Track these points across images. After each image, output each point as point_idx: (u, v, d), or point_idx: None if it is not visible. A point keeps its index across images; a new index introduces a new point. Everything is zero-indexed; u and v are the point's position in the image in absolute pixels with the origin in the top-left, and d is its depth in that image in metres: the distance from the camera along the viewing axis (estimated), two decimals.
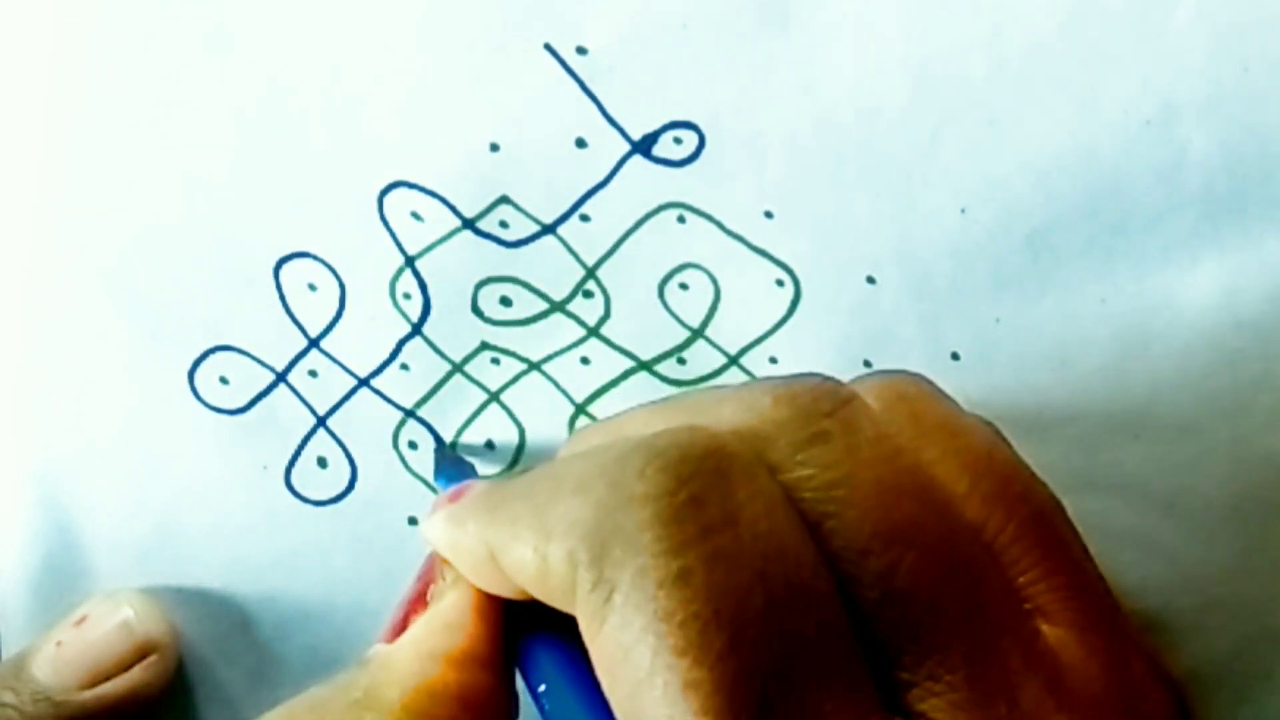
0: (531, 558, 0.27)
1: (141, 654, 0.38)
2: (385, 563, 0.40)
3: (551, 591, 0.27)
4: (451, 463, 0.38)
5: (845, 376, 0.37)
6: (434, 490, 0.39)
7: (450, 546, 0.31)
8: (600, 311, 0.38)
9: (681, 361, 0.38)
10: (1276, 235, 0.36)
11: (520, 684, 0.31)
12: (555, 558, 0.27)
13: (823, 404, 0.29)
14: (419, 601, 0.32)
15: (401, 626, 0.31)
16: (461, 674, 0.30)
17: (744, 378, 0.38)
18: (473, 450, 0.39)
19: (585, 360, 0.38)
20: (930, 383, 0.32)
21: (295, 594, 0.40)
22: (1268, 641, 0.39)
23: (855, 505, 0.27)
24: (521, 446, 0.39)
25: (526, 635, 0.31)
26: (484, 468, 0.39)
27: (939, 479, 0.29)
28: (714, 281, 0.37)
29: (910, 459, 0.29)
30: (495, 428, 0.39)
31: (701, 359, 0.38)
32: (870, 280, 0.37)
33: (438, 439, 0.39)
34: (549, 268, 0.37)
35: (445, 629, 0.31)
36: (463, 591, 0.31)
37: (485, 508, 0.30)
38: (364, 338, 0.38)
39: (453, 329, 0.38)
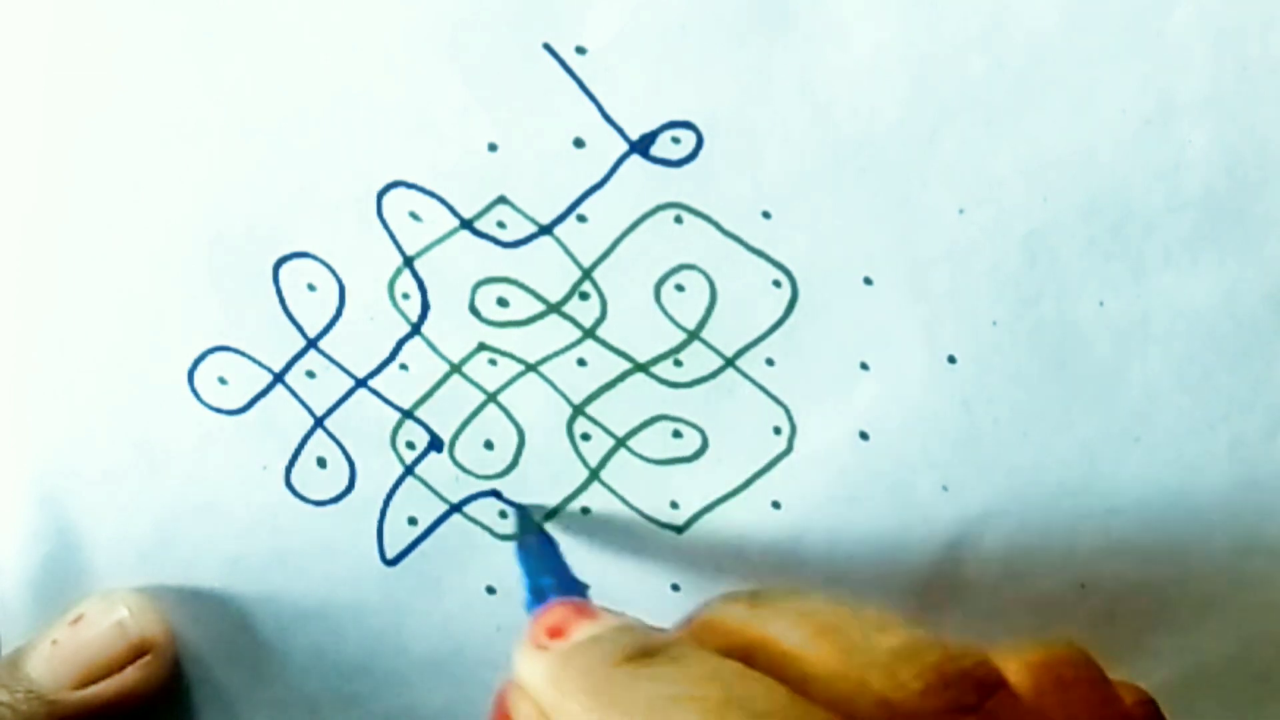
0: None
1: (136, 654, 0.38)
2: (385, 564, 0.40)
3: None
4: (536, 539, 0.38)
5: (843, 377, 0.37)
6: (439, 496, 0.39)
7: (550, 706, 0.31)
8: (596, 313, 0.38)
9: (678, 363, 0.38)
10: (1276, 235, 0.36)
11: None
12: None
13: (969, 696, 0.29)
14: None
15: None
16: None
17: (740, 380, 0.38)
18: (475, 454, 0.39)
19: (582, 362, 0.38)
20: (1089, 660, 0.31)
21: (295, 594, 0.40)
22: (1267, 643, 0.39)
23: None
24: (520, 448, 0.39)
25: None
26: (483, 468, 0.39)
27: None
28: (710, 283, 0.37)
29: None
30: (493, 429, 0.39)
31: (698, 360, 0.38)
32: (868, 281, 0.37)
33: (522, 511, 0.39)
34: (546, 269, 0.37)
35: None
36: None
37: (599, 698, 0.29)
38: (363, 338, 0.38)
39: (451, 329, 0.38)
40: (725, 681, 0.28)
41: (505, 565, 0.40)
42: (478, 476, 0.39)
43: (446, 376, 0.38)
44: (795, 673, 0.29)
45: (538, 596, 0.35)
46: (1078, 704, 0.30)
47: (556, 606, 0.33)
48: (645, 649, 0.30)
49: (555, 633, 0.32)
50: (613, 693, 0.29)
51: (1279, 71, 0.35)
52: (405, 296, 0.38)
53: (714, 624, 0.32)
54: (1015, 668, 0.30)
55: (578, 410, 0.38)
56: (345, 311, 0.38)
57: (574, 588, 0.35)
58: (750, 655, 0.30)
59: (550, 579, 0.35)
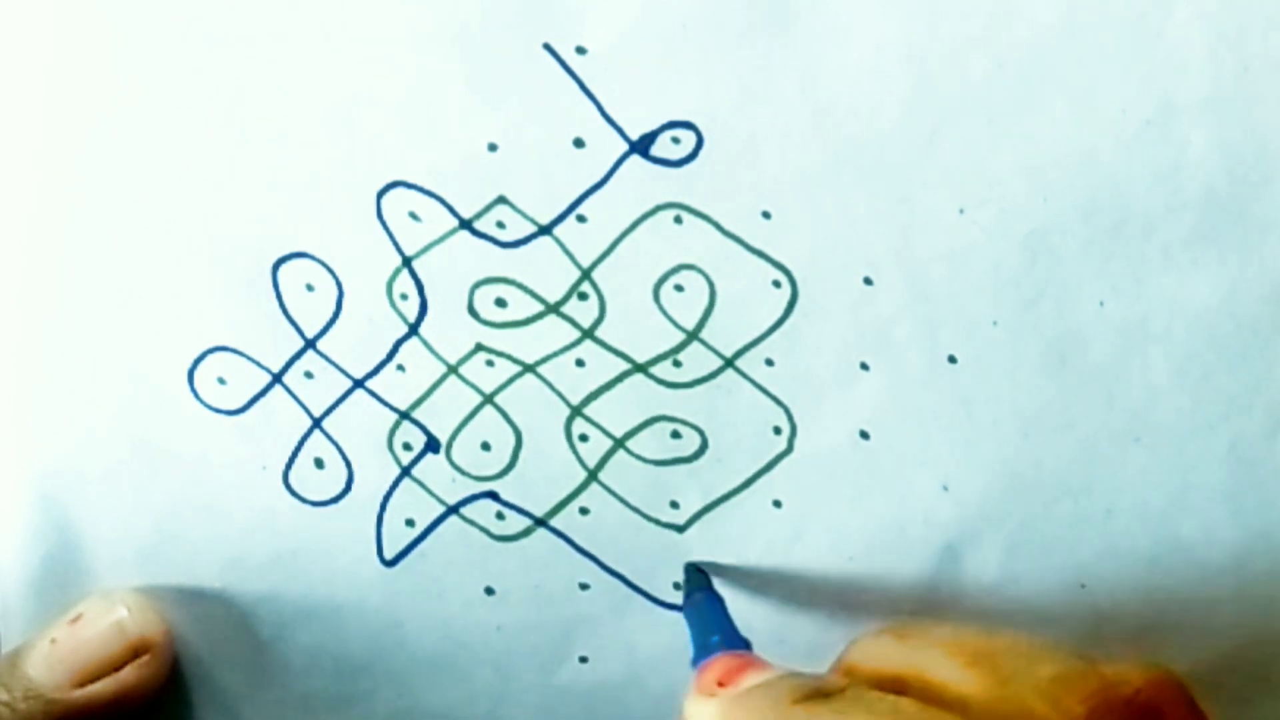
0: None
1: (134, 653, 0.38)
2: (384, 564, 0.40)
3: None
4: (704, 595, 0.38)
5: (843, 377, 0.37)
6: (436, 498, 0.39)
7: None
8: (595, 314, 0.37)
9: (677, 364, 0.38)
10: (1276, 235, 0.36)
11: None
12: None
13: None
14: None
15: None
16: None
17: (740, 380, 0.38)
18: (472, 455, 0.39)
19: (580, 362, 0.38)
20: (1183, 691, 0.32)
21: (294, 594, 0.40)
22: (1268, 642, 0.39)
23: None
24: (518, 449, 0.39)
25: None
26: (481, 469, 0.39)
27: None
28: (710, 283, 0.37)
29: None
30: (491, 430, 0.39)
31: (697, 361, 0.38)
32: (868, 281, 0.37)
33: (691, 570, 0.39)
34: (544, 269, 0.37)
35: None
36: None
37: None
38: (361, 338, 0.38)
39: (449, 330, 0.38)
40: (904, 713, 0.29)
41: (504, 566, 0.40)
42: (475, 478, 0.39)
43: (444, 377, 0.38)
44: (954, 702, 0.30)
45: (705, 652, 0.35)
46: None
47: (724, 657, 0.34)
48: (818, 690, 0.30)
49: (725, 681, 0.33)
50: None
51: (1279, 71, 0.35)
52: (404, 297, 0.38)
53: (865, 659, 0.33)
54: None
55: (576, 411, 0.38)
56: (343, 312, 0.38)
57: (740, 643, 0.35)
58: (904, 688, 0.31)
59: (717, 636, 0.36)
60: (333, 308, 0.38)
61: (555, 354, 0.38)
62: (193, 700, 0.41)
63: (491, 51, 0.36)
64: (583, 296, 0.37)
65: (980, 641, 0.32)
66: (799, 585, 0.39)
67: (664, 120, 0.36)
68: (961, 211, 0.36)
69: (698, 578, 0.39)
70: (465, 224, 0.37)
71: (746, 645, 0.35)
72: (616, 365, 0.38)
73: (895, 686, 0.31)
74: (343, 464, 0.39)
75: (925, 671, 0.31)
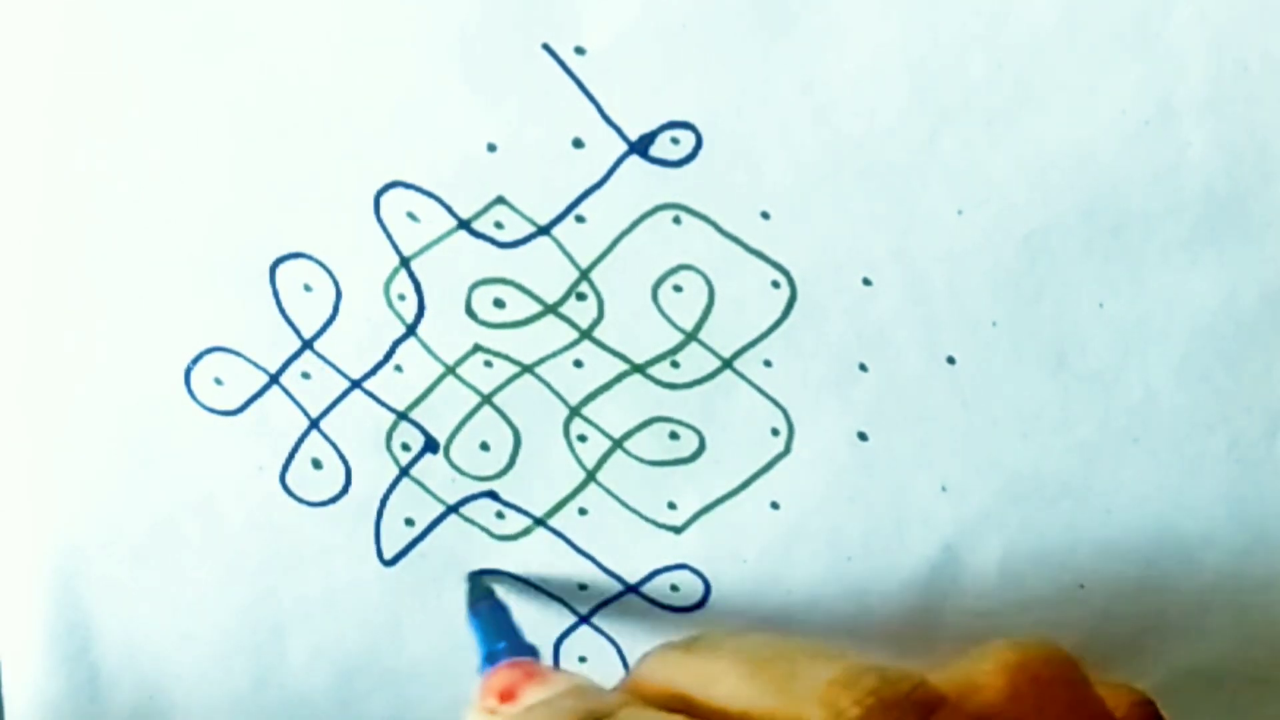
0: None
1: None
2: (383, 564, 0.40)
3: None
4: (488, 604, 0.38)
5: (842, 378, 0.37)
6: (435, 498, 0.39)
7: None
8: (593, 314, 0.37)
9: (676, 365, 0.38)
10: (1276, 235, 0.36)
11: None
12: None
13: (909, 718, 0.29)
14: None
15: None
16: None
17: (738, 381, 0.38)
18: (471, 455, 0.39)
19: (578, 363, 0.38)
20: (1068, 660, 0.32)
21: (293, 595, 0.40)
22: (1267, 643, 0.39)
23: None
24: (517, 449, 0.39)
25: None
26: (479, 469, 0.39)
27: None
28: (708, 283, 0.37)
29: None
30: (489, 430, 0.39)
31: (696, 362, 0.38)
32: (867, 282, 0.37)
33: (474, 578, 0.39)
34: (543, 269, 0.37)
35: None
36: None
37: None
38: (359, 339, 0.38)
39: (447, 330, 0.38)
40: None
41: (504, 566, 0.40)
42: (474, 478, 0.39)
43: (442, 378, 0.38)
44: (736, 714, 0.30)
45: (491, 660, 0.35)
46: (1054, 705, 0.30)
47: (505, 668, 0.34)
48: (593, 713, 0.30)
49: (506, 696, 0.33)
50: None
51: (1279, 71, 0.35)
52: (401, 297, 0.38)
53: (652, 675, 0.33)
54: (990, 669, 0.30)
55: (574, 411, 0.38)
56: (341, 312, 0.38)
57: (525, 651, 0.36)
58: (690, 703, 0.31)
59: (503, 643, 0.36)
60: (330, 308, 0.38)
61: (554, 354, 0.38)
62: (193, 700, 0.41)
63: (490, 52, 0.36)
64: (581, 297, 0.37)
65: (765, 648, 0.32)
66: (797, 586, 0.39)
67: (663, 120, 0.36)
68: (961, 212, 0.36)
69: (481, 587, 0.39)
70: (464, 224, 0.37)
71: (533, 653, 0.36)
72: (615, 366, 0.38)
73: (679, 704, 0.31)
74: (341, 464, 0.39)
75: (710, 685, 0.31)
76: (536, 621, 0.40)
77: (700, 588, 0.39)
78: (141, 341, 0.38)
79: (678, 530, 0.39)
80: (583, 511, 0.39)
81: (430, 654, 0.40)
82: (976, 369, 0.37)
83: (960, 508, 0.38)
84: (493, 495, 0.39)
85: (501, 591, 0.39)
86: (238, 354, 0.38)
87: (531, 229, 0.37)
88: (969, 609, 0.38)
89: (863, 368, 0.37)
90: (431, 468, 0.39)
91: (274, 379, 0.38)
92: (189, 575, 0.40)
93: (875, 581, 0.39)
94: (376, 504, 0.39)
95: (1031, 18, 0.35)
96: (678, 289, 0.37)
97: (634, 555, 0.39)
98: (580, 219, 0.37)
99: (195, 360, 0.38)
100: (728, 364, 0.38)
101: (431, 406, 0.38)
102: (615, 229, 0.37)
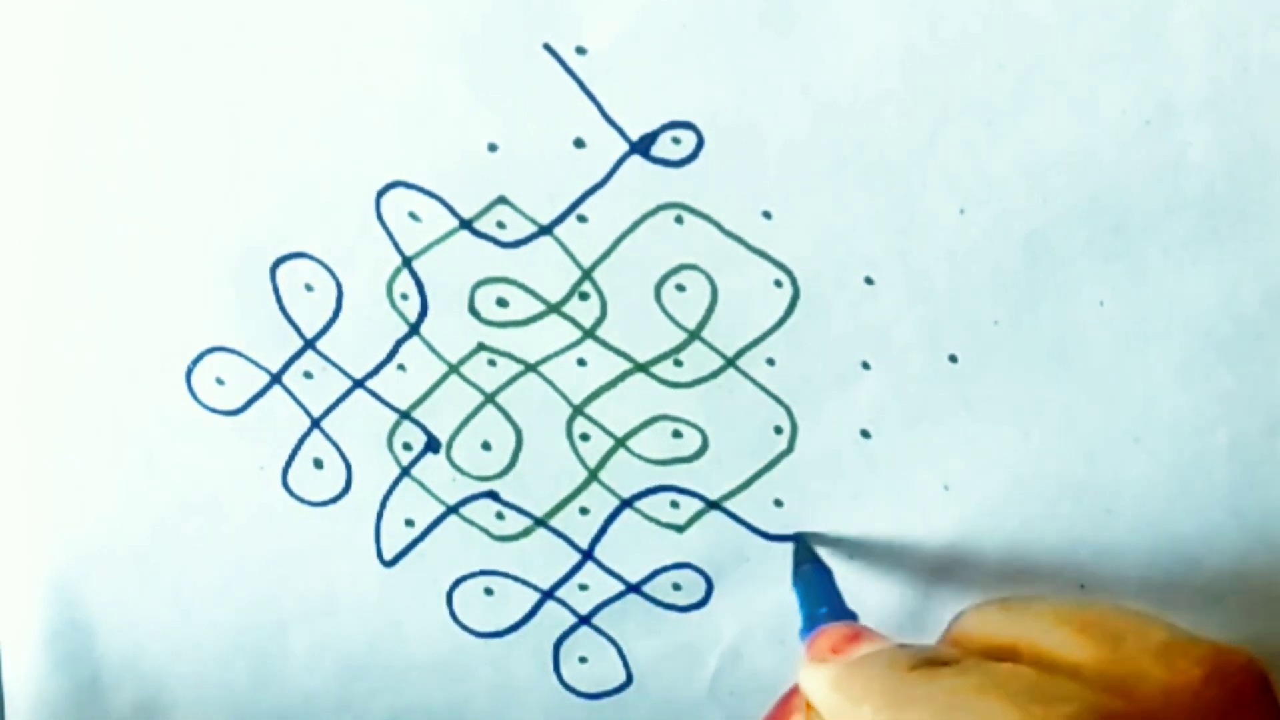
0: None
1: None
2: (383, 565, 0.40)
3: None
4: (811, 567, 0.38)
5: (844, 376, 0.37)
6: (436, 498, 0.39)
7: (833, 712, 0.31)
8: (596, 313, 0.37)
9: (678, 363, 0.38)
10: (1276, 235, 0.36)
11: None
12: None
13: (1247, 689, 0.29)
14: None
15: None
16: None
17: (741, 380, 0.38)
18: (472, 455, 0.39)
19: (582, 362, 0.38)
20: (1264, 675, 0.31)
21: (294, 594, 0.40)
22: (1268, 642, 0.39)
23: None
24: (519, 448, 0.39)
25: None
26: (480, 469, 0.39)
27: None
28: (711, 282, 0.37)
29: None
30: (491, 429, 0.39)
31: (699, 360, 0.38)
32: (868, 281, 0.37)
33: (799, 541, 0.39)
34: (545, 269, 0.37)
35: None
36: None
37: (892, 700, 0.30)
38: (361, 339, 0.38)
39: (450, 330, 0.38)
40: (1021, 677, 0.29)
41: (503, 567, 0.40)
42: (475, 478, 0.39)
43: (445, 377, 0.38)
44: (1067, 668, 0.30)
45: (813, 623, 0.35)
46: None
47: (836, 627, 0.34)
48: (932, 659, 0.31)
49: (836, 651, 0.33)
50: (907, 693, 0.30)
51: (1279, 71, 0.35)
52: (404, 297, 0.38)
53: (973, 630, 0.33)
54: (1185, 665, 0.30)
55: (577, 410, 0.38)
56: (343, 312, 0.38)
57: (846, 615, 0.35)
58: (1016, 656, 0.31)
59: (825, 608, 0.36)
60: (332, 308, 0.38)
61: (557, 353, 0.38)
62: (193, 700, 0.41)
63: (491, 51, 0.36)
64: (584, 296, 0.37)
65: (1085, 610, 0.32)
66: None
67: (664, 120, 0.36)
68: (962, 211, 0.36)
69: (805, 549, 0.38)
70: (465, 224, 0.37)
71: (853, 617, 0.35)
72: (618, 365, 0.38)
73: (1007, 655, 0.31)
74: (342, 464, 0.39)
75: (1036, 640, 0.31)
76: (536, 621, 0.40)
77: (703, 586, 0.39)
78: (142, 341, 0.38)
79: (680, 529, 0.39)
80: (584, 511, 0.39)
81: (430, 654, 0.40)
82: (978, 368, 0.37)
83: (962, 507, 0.38)
84: (493, 495, 0.39)
85: (824, 554, 0.39)
86: (239, 354, 0.38)
87: (534, 228, 0.37)
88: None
89: (865, 366, 0.37)
90: (432, 468, 0.39)
91: (275, 379, 0.38)
92: (189, 575, 0.40)
93: (876, 580, 0.39)
94: (377, 504, 0.39)
95: (1031, 17, 0.35)
96: (680, 288, 0.37)
97: (636, 554, 0.39)
98: (582, 219, 0.37)
99: (196, 360, 0.38)
100: (730, 362, 0.38)
101: (434, 406, 0.38)
102: (617, 228, 0.37)
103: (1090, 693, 0.28)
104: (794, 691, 0.34)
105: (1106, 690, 0.29)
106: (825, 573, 0.37)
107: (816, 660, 0.33)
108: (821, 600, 0.36)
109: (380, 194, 0.37)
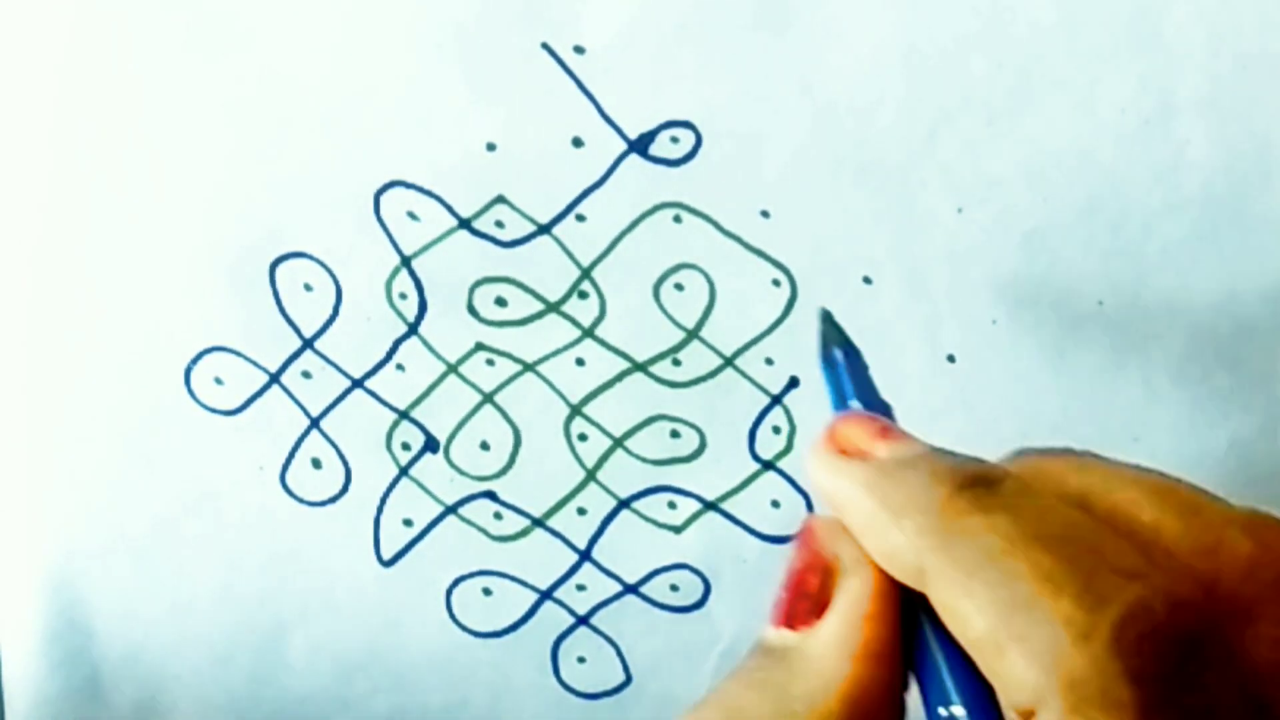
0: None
1: None
2: (382, 564, 0.40)
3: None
4: (842, 351, 0.33)
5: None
6: (434, 498, 0.39)
7: (867, 519, 0.28)
8: (595, 312, 0.37)
9: (677, 363, 0.38)
10: (1276, 235, 0.36)
11: None
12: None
13: None
14: (809, 574, 0.28)
15: (790, 608, 0.28)
16: (874, 669, 0.27)
17: (739, 379, 0.38)
18: (470, 455, 0.39)
19: (580, 361, 0.38)
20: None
21: (293, 594, 0.40)
22: None
23: None
24: (517, 448, 0.39)
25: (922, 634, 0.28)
26: (479, 469, 0.39)
27: None
28: (710, 282, 0.37)
29: None
30: (490, 429, 0.39)
31: (697, 360, 0.38)
32: (867, 280, 0.37)
33: (828, 317, 0.34)
34: (544, 268, 0.37)
35: (859, 623, 0.28)
36: (867, 579, 0.28)
37: (935, 532, 0.26)
38: (359, 338, 0.38)
39: (448, 329, 0.38)
40: (1085, 534, 0.26)
41: (502, 567, 0.40)
42: (473, 478, 0.39)
43: (443, 377, 0.38)
44: (1140, 529, 0.27)
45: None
46: None
47: (863, 418, 0.30)
48: (980, 476, 0.28)
49: (886, 431, 0.29)
50: (953, 524, 0.26)
51: (1278, 71, 0.35)
52: (403, 296, 0.38)
53: (1042, 469, 0.29)
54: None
55: (575, 410, 0.38)
56: (342, 312, 0.38)
57: (880, 408, 0.31)
58: (1088, 502, 0.28)
59: (859, 399, 0.31)
60: (331, 307, 0.38)
61: (555, 353, 0.38)
62: (193, 700, 0.41)
63: (490, 51, 0.36)
64: (583, 295, 0.37)
65: (1160, 476, 0.28)
66: None
67: (663, 119, 0.36)
68: (960, 211, 0.36)
69: (833, 330, 0.33)
70: (464, 223, 0.37)
71: (887, 410, 0.31)
72: (616, 364, 0.38)
73: (1075, 500, 0.28)
74: (340, 464, 0.39)
75: (1107, 493, 0.28)
76: (535, 622, 0.40)
77: (700, 587, 0.39)
78: (141, 341, 0.38)
79: (678, 530, 0.39)
80: (582, 511, 0.39)
81: (429, 654, 0.40)
82: (977, 367, 0.37)
83: None
84: (491, 495, 0.39)
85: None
86: (238, 353, 0.38)
87: (532, 228, 0.37)
88: None
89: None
90: (431, 467, 0.39)
91: (274, 378, 0.38)
92: (188, 575, 0.40)
93: None
94: (376, 504, 0.39)
95: (1031, 17, 0.35)
96: (679, 287, 0.37)
97: (633, 555, 0.39)
98: (581, 218, 0.37)
99: (195, 360, 0.38)
100: (729, 362, 0.38)
101: (432, 405, 0.38)
102: (616, 228, 0.37)
103: (1159, 573, 0.25)
104: (810, 531, 0.29)
105: (1189, 556, 0.26)
106: (858, 358, 0.33)
107: (840, 452, 0.29)
108: (855, 391, 0.32)
109: (379, 193, 0.37)
